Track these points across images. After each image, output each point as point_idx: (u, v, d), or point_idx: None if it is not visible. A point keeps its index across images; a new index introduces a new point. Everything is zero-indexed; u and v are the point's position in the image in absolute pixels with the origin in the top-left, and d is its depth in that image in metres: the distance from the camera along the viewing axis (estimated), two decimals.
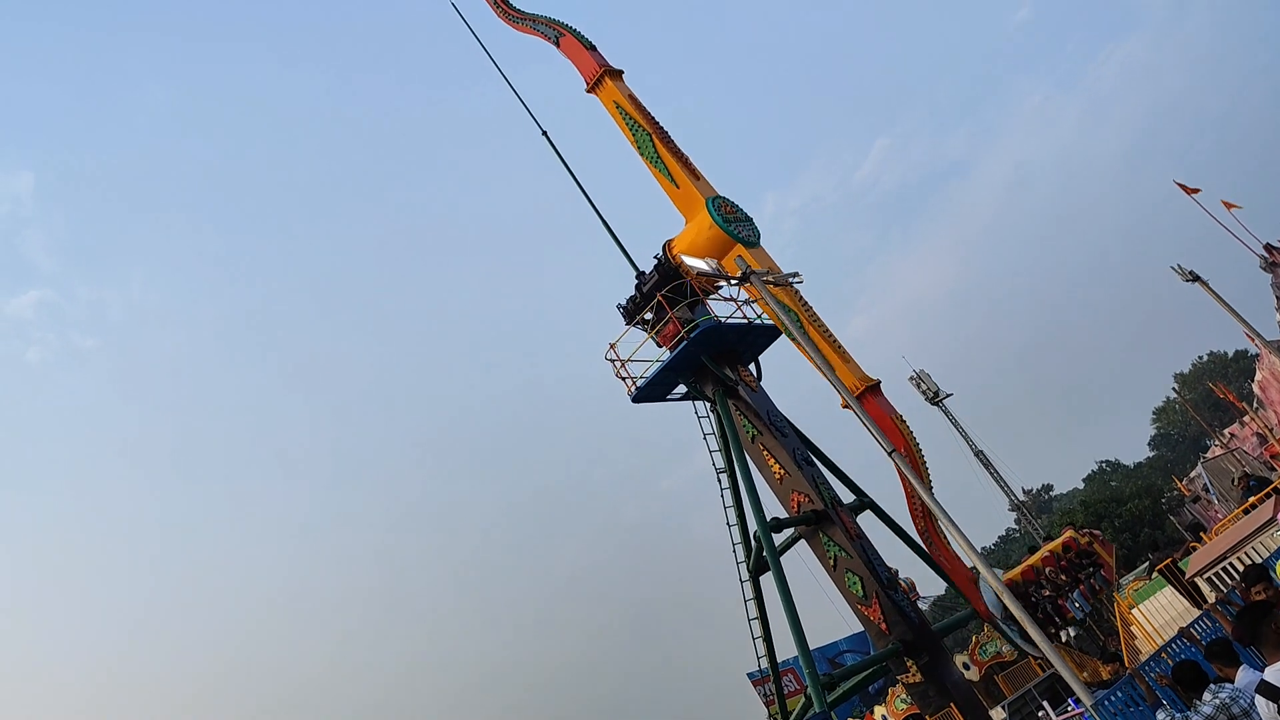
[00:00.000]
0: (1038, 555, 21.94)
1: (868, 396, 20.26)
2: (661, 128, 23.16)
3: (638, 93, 24.09)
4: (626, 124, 23.35)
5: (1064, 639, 21.33)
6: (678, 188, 22.35)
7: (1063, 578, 20.95)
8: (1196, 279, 24.21)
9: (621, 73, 24.44)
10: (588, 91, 24.51)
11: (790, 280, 12.59)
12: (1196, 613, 20.72)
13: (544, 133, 28.94)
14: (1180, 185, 33.10)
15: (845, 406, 19.78)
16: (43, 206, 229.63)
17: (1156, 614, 22.66)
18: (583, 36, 24.94)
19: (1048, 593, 20.89)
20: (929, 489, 21.14)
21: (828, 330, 21.44)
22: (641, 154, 23.08)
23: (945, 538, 19.64)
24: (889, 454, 10.58)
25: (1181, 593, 22.74)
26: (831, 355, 20.54)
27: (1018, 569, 21.68)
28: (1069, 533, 22.07)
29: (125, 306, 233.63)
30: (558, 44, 25.20)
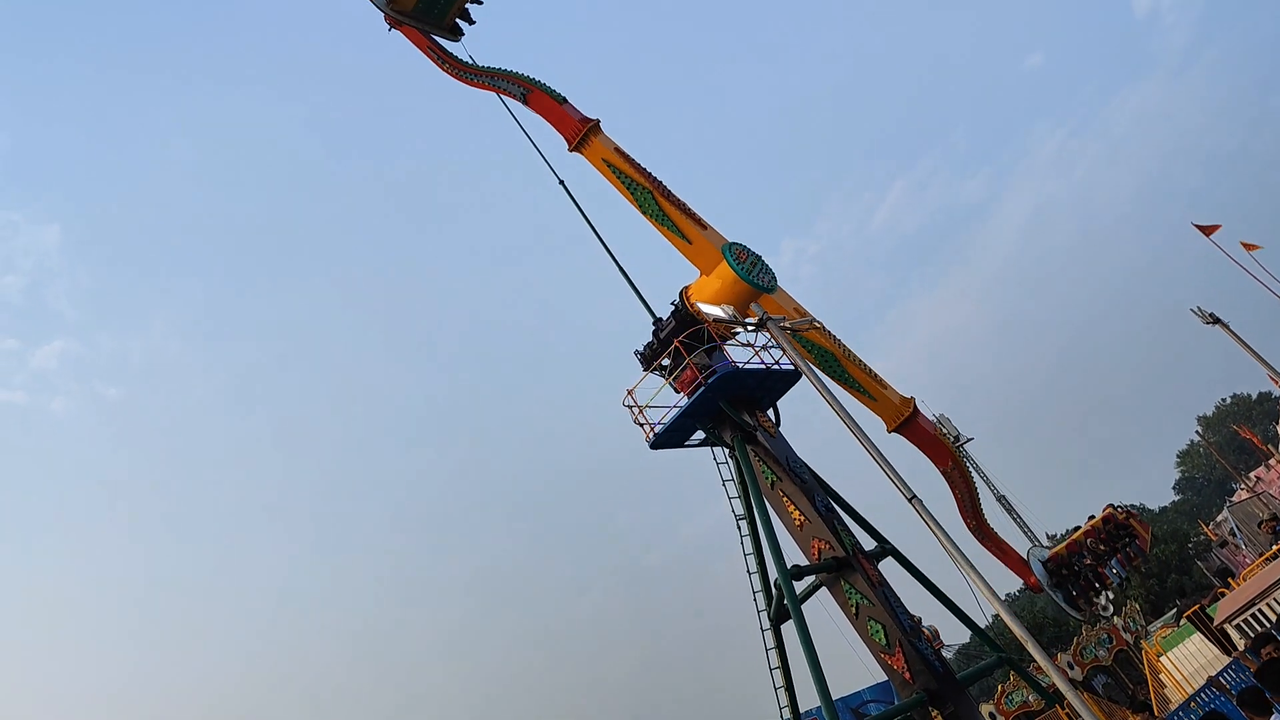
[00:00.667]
0: (1080, 530, 24.30)
1: (912, 423, 21.48)
2: (657, 180, 22.10)
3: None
4: (621, 181, 22.12)
5: (1102, 603, 23.70)
6: (690, 243, 21.70)
7: (1102, 548, 23.42)
8: (1217, 321, 24.12)
9: (599, 122, 23.11)
10: (571, 150, 23.21)
11: (807, 326, 12.59)
12: (1226, 660, 20.38)
13: (560, 181, 29.17)
14: (1197, 226, 33.09)
15: (893, 430, 21.90)
16: (68, 258, 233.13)
17: (1185, 661, 22.32)
18: (552, 90, 23.52)
19: (1089, 561, 23.32)
20: (976, 504, 22.98)
21: (864, 364, 21.91)
22: (644, 213, 22.03)
23: (992, 527, 22.59)
24: (909, 500, 10.50)
25: (1210, 640, 22.38)
26: (872, 386, 21.65)
27: (1063, 544, 24.08)
28: (1108, 509, 24.44)
29: (146, 353, 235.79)
30: (525, 101, 23.63)
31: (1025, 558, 22.90)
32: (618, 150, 22.25)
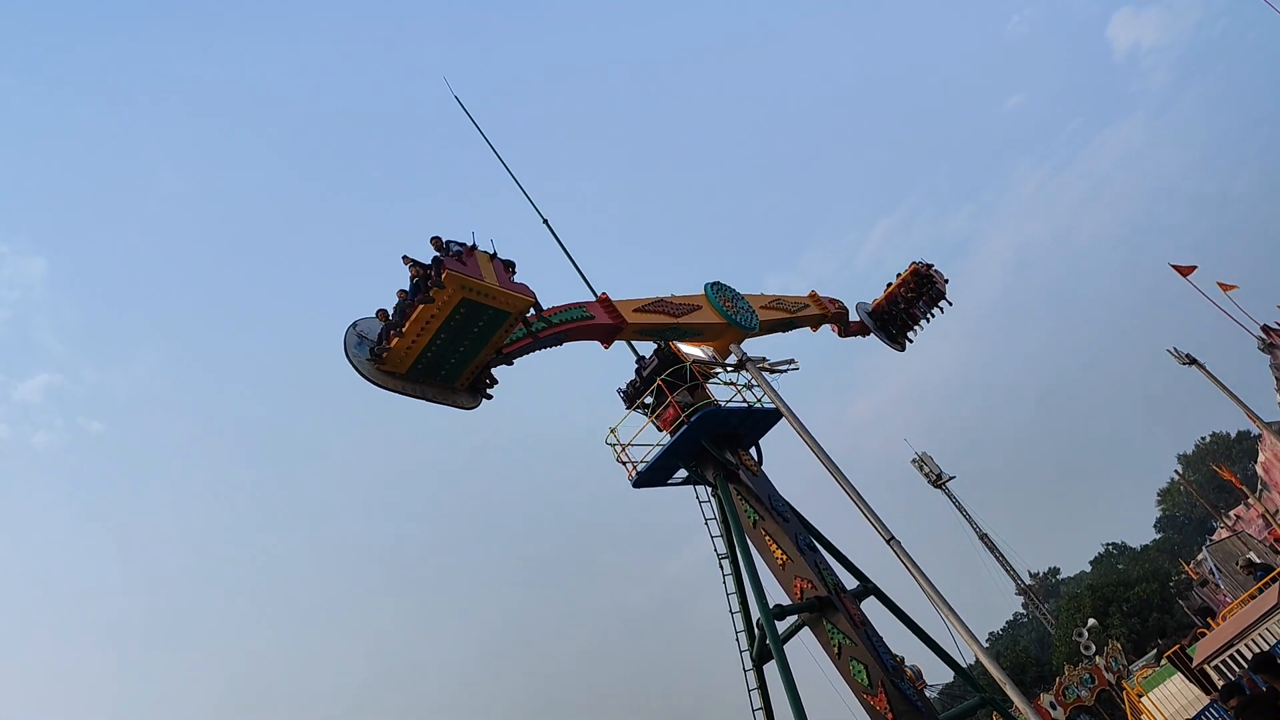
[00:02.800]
0: (892, 284, 30.09)
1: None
2: (676, 328, 21.34)
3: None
4: (651, 337, 21.54)
5: (912, 339, 30.36)
6: (702, 336, 22.04)
7: (910, 294, 29.66)
8: (1194, 362, 24.45)
9: (621, 326, 20.76)
10: (607, 347, 21.34)
11: (786, 368, 12.73)
12: (1205, 701, 20.45)
13: (545, 220, 29.46)
14: (1175, 266, 33.56)
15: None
16: (54, 291, 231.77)
17: (1166, 702, 22.36)
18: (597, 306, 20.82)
19: (903, 306, 29.74)
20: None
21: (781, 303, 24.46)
22: (670, 344, 21.98)
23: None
24: (887, 541, 10.57)
25: (1191, 680, 22.45)
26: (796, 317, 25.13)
27: (883, 295, 30.01)
28: (913, 265, 30.06)
29: (131, 388, 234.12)
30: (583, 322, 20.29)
31: (855, 311, 28.70)
32: (638, 327, 21.04)
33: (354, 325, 16.38)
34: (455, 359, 16.79)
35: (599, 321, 20.23)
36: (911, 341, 30.57)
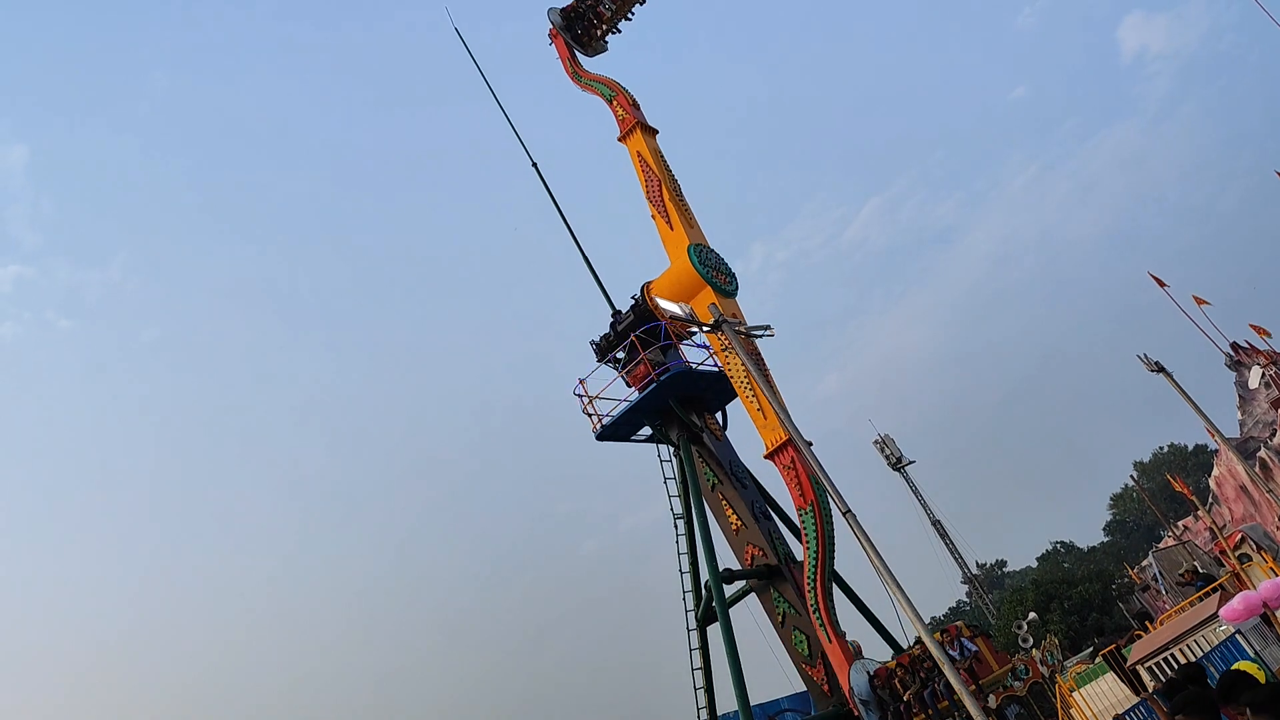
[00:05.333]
0: (906, 652, 20.47)
1: (783, 451, 19.33)
2: (674, 180, 24.00)
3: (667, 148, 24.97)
4: (644, 171, 24.17)
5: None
6: (672, 230, 22.80)
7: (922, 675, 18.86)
8: (1161, 370, 24.60)
9: (656, 131, 25.33)
10: (619, 140, 25.19)
11: (761, 333, 12.71)
12: (1134, 700, 20.88)
13: (534, 164, 29.20)
14: (1153, 276, 33.73)
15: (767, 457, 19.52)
16: (33, 180, 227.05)
17: (1097, 699, 22.80)
18: (629, 94, 25.88)
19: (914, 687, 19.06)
20: (826, 569, 18.92)
21: (772, 390, 20.97)
22: (648, 199, 23.72)
23: (832, 616, 18.87)
24: (844, 514, 10.63)
25: (1122, 680, 22.90)
26: (768, 410, 19.19)
27: (894, 660, 19.96)
28: (951, 626, 21.21)
29: (104, 288, 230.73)
30: (611, 102, 26.04)
31: (849, 663, 18.92)
32: (655, 151, 24.57)
33: None
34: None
35: (627, 121, 24.94)
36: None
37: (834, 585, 21.27)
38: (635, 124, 24.97)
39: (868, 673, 18.78)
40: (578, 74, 27.94)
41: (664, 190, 23.51)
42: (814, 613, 18.67)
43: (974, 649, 19.99)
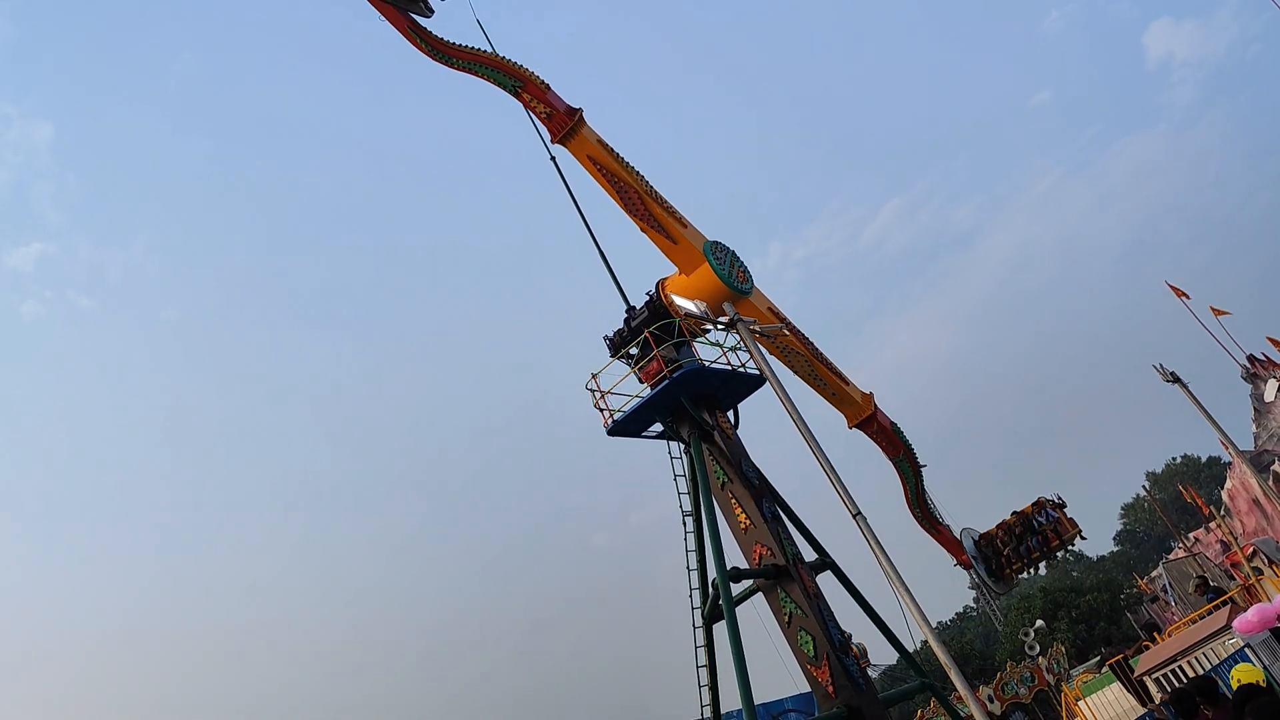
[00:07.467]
0: (1010, 516, 26.88)
1: (872, 420, 24.47)
2: (643, 179, 21.16)
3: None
4: (605, 178, 21.05)
5: (1017, 580, 27.60)
6: (676, 244, 21.23)
7: (1020, 530, 26.05)
8: (1177, 380, 24.47)
9: (581, 111, 21.32)
10: (555, 143, 21.64)
11: (777, 331, 12.67)
12: (1141, 711, 20.81)
13: (552, 157, 29.09)
14: (1172, 287, 33.58)
15: (854, 426, 24.45)
16: (58, 158, 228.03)
17: (1103, 709, 22.73)
18: (538, 78, 21.13)
19: (1015, 541, 26.19)
20: (921, 491, 25.94)
21: (832, 363, 23.68)
22: (627, 211, 21.18)
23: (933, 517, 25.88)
24: (854, 516, 10.60)
25: (1129, 690, 22.81)
26: (838, 385, 23.72)
27: (995, 526, 26.79)
28: (1040, 499, 26.53)
29: (126, 268, 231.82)
30: (518, 94, 21.27)
31: (958, 536, 26.04)
32: (600, 143, 21.10)
33: None
34: None
35: (558, 117, 21.05)
36: (1016, 585, 27.63)
37: (845, 586, 21.52)
38: (575, 119, 20.89)
39: (973, 538, 26.16)
40: (438, 49, 21.05)
41: (645, 199, 20.83)
42: (920, 521, 25.63)
43: (1055, 515, 25.92)
